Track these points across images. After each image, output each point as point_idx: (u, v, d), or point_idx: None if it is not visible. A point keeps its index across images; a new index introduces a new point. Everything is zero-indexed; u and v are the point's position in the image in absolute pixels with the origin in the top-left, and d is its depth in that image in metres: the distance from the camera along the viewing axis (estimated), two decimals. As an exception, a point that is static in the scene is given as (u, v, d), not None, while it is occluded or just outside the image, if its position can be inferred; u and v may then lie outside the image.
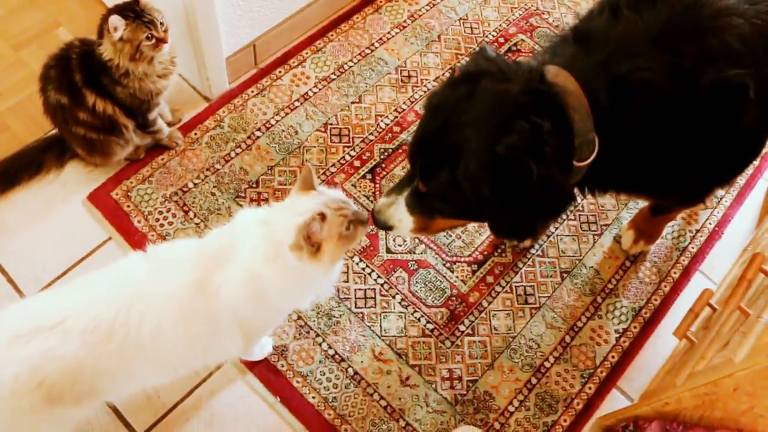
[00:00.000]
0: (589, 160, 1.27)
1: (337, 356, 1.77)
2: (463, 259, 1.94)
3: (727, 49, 1.24)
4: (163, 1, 1.74)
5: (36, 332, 1.21)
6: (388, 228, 1.44)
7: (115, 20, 1.61)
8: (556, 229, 2.00)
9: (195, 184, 1.97)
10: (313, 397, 1.71)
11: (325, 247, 1.30)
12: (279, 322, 1.77)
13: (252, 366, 1.73)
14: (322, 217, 1.27)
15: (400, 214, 1.40)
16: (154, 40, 1.67)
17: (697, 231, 2.04)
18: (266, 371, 1.73)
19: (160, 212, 1.92)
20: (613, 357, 1.83)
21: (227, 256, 1.32)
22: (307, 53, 2.24)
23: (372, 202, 1.99)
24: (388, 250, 1.93)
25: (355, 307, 1.84)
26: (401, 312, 1.85)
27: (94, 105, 1.73)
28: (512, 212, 1.27)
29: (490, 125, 1.20)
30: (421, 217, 1.40)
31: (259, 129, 2.08)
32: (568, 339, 1.85)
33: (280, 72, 2.19)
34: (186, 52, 1.95)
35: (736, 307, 1.41)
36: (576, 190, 1.40)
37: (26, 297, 1.75)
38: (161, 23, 1.69)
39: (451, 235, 1.96)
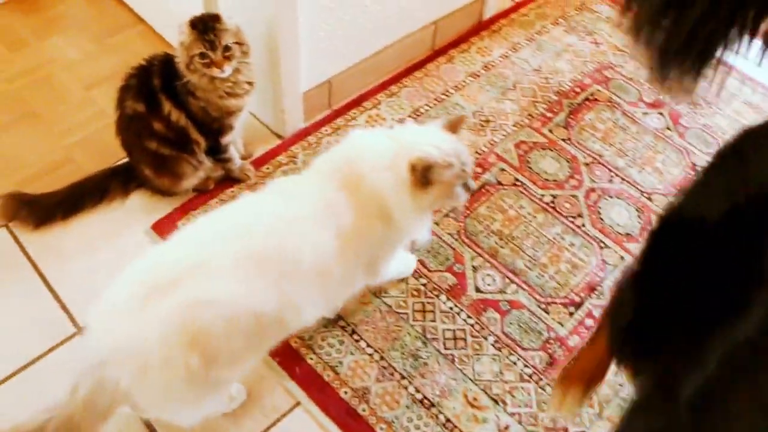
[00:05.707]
0: None
1: (425, 401, 1.55)
2: (558, 301, 1.75)
3: None
4: (248, 26, 1.67)
5: (174, 282, 1.05)
6: None
7: (184, 24, 1.56)
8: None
9: (266, 218, 1.84)
10: (402, 444, 1.47)
11: (431, 190, 1.29)
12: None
13: (329, 408, 1.51)
14: (449, 165, 1.29)
15: None
16: (207, 60, 1.58)
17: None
18: (345, 416, 1.51)
19: (229, 243, 1.77)
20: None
21: (360, 159, 1.33)
22: (381, 97, 2.17)
23: (456, 240, 1.83)
24: (477, 290, 1.74)
25: (444, 348, 1.64)
26: (495, 354, 1.64)
27: (169, 114, 1.65)
28: None
29: None
30: None
31: (332, 167, 1.98)
32: (690, 385, 1.61)
33: (354, 113, 2.12)
34: (263, 85, 1.88)
35: None
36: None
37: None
38: (226, 47, 1.57)
39: (543, 275, 1.78)
